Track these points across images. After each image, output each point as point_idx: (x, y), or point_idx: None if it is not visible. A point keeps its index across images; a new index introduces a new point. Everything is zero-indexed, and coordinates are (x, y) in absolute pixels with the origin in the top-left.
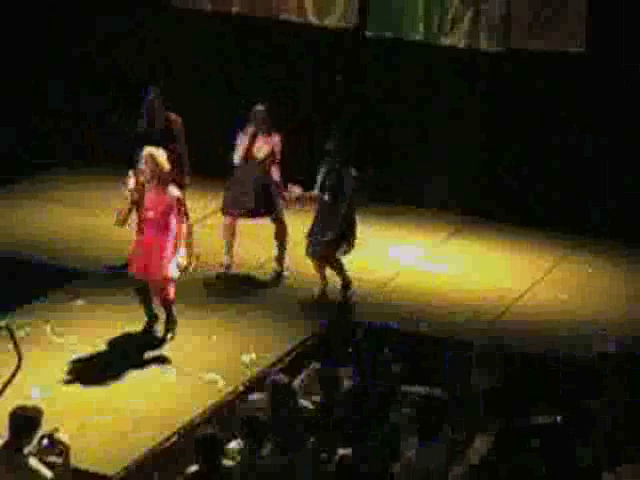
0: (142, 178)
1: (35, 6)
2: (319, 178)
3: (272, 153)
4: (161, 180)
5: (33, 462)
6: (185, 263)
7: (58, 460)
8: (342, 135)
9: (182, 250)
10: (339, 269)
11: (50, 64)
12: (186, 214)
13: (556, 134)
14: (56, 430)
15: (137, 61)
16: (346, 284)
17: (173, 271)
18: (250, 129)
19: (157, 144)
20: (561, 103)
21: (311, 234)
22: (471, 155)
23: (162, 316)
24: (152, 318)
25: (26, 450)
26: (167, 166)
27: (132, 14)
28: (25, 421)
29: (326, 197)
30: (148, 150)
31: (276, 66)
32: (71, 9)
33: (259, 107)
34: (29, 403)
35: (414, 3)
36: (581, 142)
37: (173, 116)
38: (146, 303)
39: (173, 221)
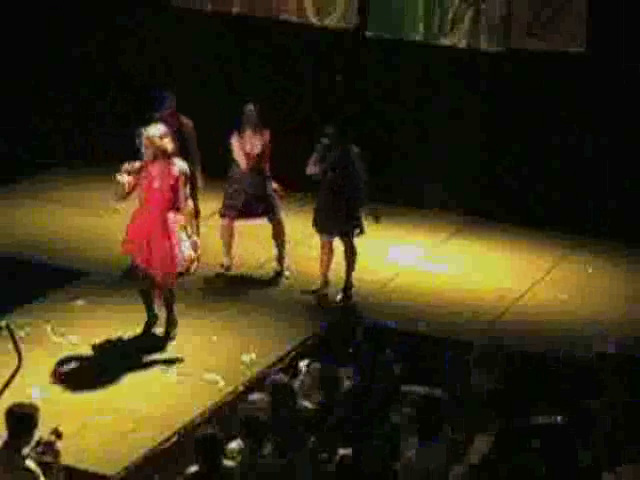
0: (145, 158)
1: (35, 6)
2: (316, 156)
3: (264, 150)
4: (165, 155)
5: (31, 464)
6: (193, 254)
7: (53, 460)
8: (341, 120)
9: (184, 238)
10: (354, 252)
11: (50, 64)
12: (197, 211)
13: (556, 134)
14: (55, 430)
15: (137, 61)
16: (349, 285)
17: (177, 265)
18: (248, 134)
19: None
20: (561, 103)
21: (334, 216)
22: (471, 155)
23: (162, 315)
24: (152, 318)
25: (25, 450)
26: (167, 143)
27: (132, 14)
28: (21, 419)
29: (330, 175)
30: (147, 133)
31: (276, 66)
32: (71, 9)
33: (250, 107)
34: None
35: (414, 3)
36: (581, 142)
37: (184, 119)
38: (148, 303)
39: (171, 215)
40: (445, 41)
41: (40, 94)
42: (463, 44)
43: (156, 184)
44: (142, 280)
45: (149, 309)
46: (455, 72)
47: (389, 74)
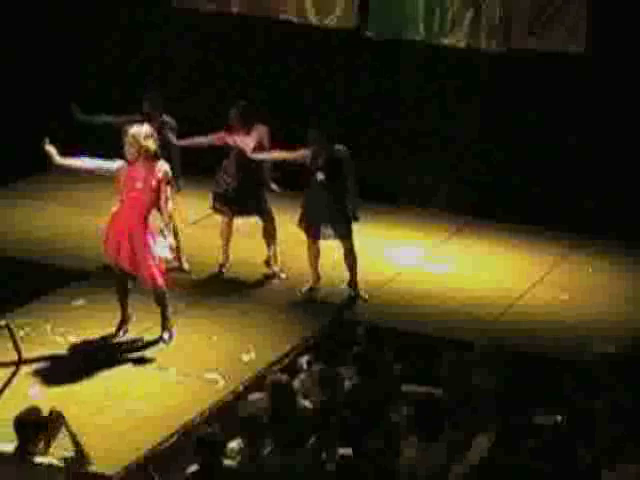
0: (128, 156)
1: (35, 6)
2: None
3: (260, 145)
4: (148, 155)
5: (39, 459)
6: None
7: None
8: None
9: (167, 238)
10: (354, 253)
11: (51, 64)
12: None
13: (556, 134)
14: (51, 411)
15: (137, 61)
16: (354, 282)
17: (165, 254)
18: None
19: None
20: (561, 103)
21: (322, 219)
22: (471, 155)
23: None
24: (126, 319)
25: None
26: (152, 145)
27: (132, 14)
28: (28, 427)
29: (320, 176)
30: (131, 131)
31: (276, 66)
32: (71, 9)
33: (233, 109)
34: (28, 403)
35: (414, 3)
36: (581, 142)
37: (167, 119)
38: (123, 301)
39: (151, 217)
40: (445, 41)
41: (41, 94)
42: (463, 44)
43: (139, 185)
44: (119, 275)
45: (123, 308)
46: (455, 72)
47: (389, 74)
